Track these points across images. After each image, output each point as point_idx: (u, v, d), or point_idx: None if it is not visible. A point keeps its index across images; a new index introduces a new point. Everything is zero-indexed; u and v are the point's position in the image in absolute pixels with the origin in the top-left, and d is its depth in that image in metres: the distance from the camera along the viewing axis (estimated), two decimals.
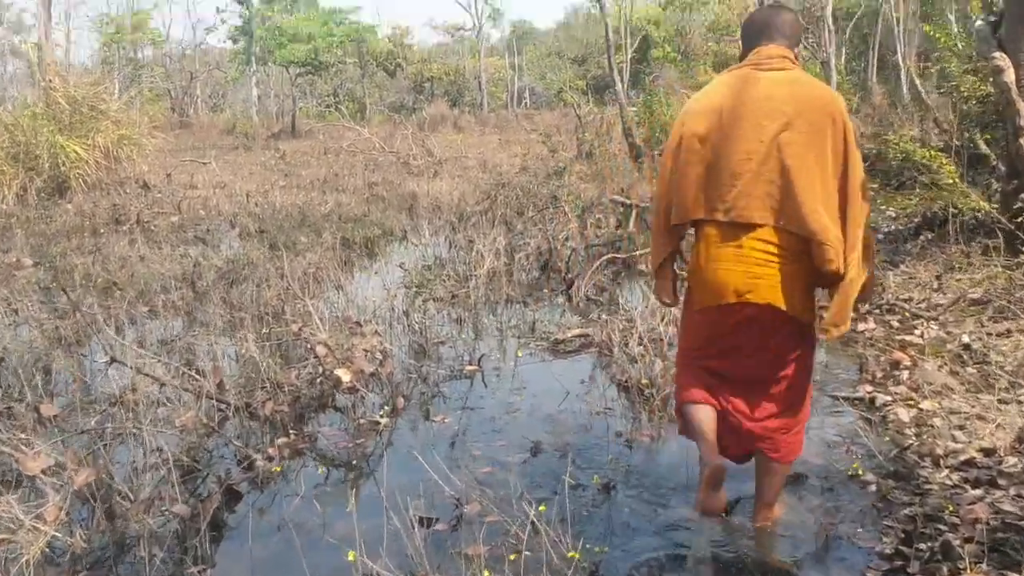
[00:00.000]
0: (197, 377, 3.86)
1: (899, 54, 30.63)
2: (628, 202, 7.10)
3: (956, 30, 9.74)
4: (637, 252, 6.41)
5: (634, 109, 17.57)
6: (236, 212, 10.46)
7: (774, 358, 2.52)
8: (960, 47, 8.47)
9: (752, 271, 2.38)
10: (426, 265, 7.11)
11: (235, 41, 36.95)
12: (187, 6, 39.88)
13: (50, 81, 12.16)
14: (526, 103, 59.21)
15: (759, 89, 2.42)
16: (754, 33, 2.55)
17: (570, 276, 6.21)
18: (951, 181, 6.04)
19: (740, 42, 2.64)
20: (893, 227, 7.69)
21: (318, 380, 4.06)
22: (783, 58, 2.46)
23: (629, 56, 35.81)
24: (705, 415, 2.58)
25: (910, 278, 5.78)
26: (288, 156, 21.32)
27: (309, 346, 4.10)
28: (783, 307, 2.37)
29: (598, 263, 6.17)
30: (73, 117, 11.49)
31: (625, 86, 33.72)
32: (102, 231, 9.31)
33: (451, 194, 11.55)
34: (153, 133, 13.07)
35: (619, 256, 6.52)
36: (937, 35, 8.38)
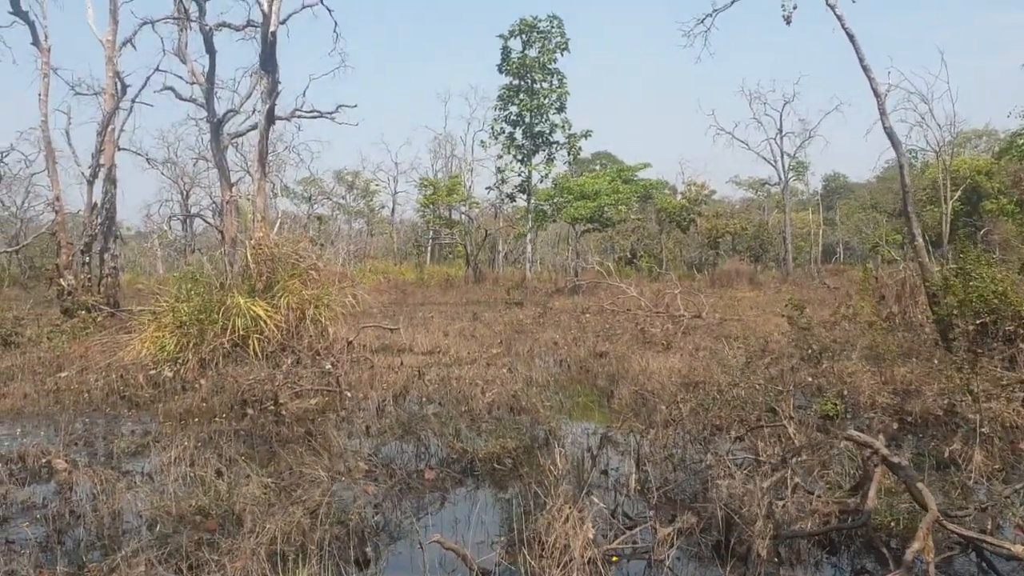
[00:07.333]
0: None
1: None
2: (874, 445, 4.22)
3: None
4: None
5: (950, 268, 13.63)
6: (403, 390, 9.04)
7: None
8: None
9: None
10: None
11: (512, 199, 38.17)
12: (493, 167, 42.28)
13: (253, 238, 12.10)
14: (838, 258, 54.34)
15: None
16: None
17: None
18: None
19: None
20: None
21: None
22: None
23: (949, 207, 30.66)
24: None
25: None
26: (549, 314, 20.29)
27: None
28: None
29: None
30: (268, 277, 11.05)
31: (945, 241, 28.64)
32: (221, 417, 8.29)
33: (671, 377, 9.10)
34: (352, 293, 11.96)
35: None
36: None
